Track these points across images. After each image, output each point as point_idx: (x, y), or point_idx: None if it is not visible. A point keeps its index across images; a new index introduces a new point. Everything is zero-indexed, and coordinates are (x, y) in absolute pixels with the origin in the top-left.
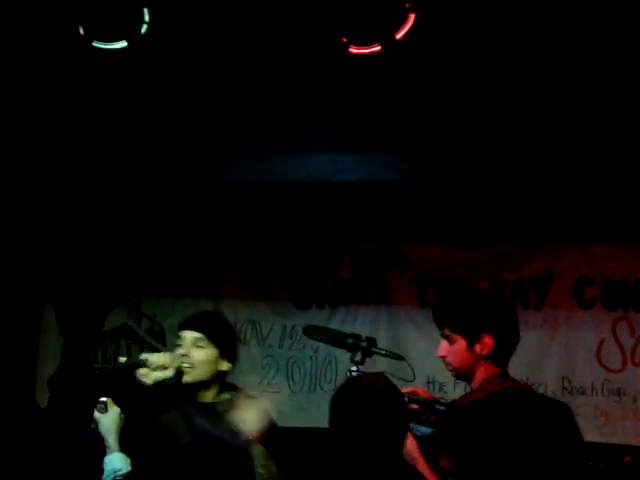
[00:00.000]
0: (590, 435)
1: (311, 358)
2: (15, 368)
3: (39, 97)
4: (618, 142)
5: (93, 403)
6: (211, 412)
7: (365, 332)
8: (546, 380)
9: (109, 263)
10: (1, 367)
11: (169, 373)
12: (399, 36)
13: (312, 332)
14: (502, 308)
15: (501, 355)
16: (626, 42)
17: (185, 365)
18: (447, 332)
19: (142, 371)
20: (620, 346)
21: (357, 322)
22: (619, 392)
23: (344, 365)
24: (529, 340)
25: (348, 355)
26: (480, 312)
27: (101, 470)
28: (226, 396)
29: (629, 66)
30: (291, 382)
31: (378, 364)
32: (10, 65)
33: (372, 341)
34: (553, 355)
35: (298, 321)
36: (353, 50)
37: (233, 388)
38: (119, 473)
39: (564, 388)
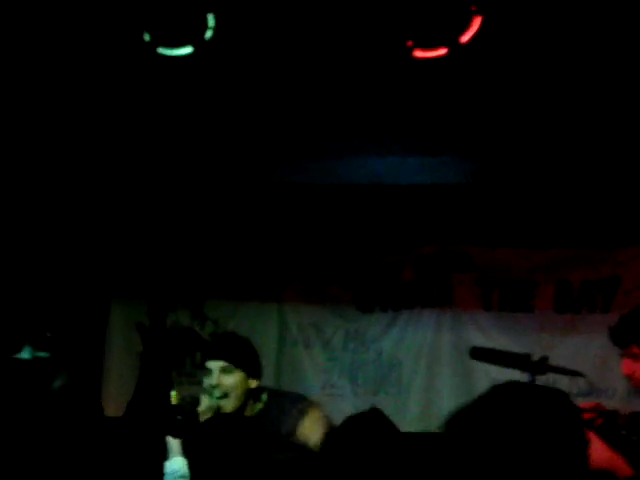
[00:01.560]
0: None
1: (374, 362)
2: (81, 368)
3: (105, 104)
4: None
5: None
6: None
7: (429, 335)
8: (615, 385)
9: (172, 266)
10: (67, 366)
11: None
12: (465, 39)
13: (481, 355)
14: None
15: None
16: None
17: (219, 396)
18: (636, 350)
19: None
20: None
21: (421, 325)
22: None
23: (408, 369)
24: (596, 344)
25: (412, 359)
26: None
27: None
28: (259, 406)
29: None
30: (355, 385)
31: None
32: (75, 72)
33: (545, 359)
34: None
35: (361, 324)
36: (418, 54)
37: (261, 392)
38: (178, 474)
39: (635, 393)
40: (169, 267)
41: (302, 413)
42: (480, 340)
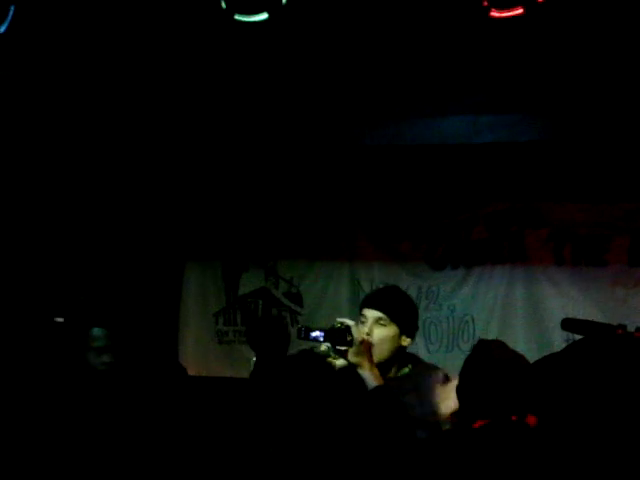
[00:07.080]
0: None
1: (447, 318)
2: (158, 329)
3: (183, 72)
4: None
5: None
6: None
7: (501, 292)
8: None
9: (245, 227)
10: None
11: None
12: None
13: (572, 326)
14: None
15: None
16: None
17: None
18: None
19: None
20: None
21: (493, 282)
22: None
23: (481, 325)
24: None
25: (485, 315)
26: None
27: None
28: (405, 370)
29: None
30: (428, 342)
31: None
32: (152, 42)
33: None
34: None
35: (433, 282)
36: (494, 14)
37: (412, 359)
38: None
39: None
40: (242, 228)
41: (444, 391)
42: (553, 294)
